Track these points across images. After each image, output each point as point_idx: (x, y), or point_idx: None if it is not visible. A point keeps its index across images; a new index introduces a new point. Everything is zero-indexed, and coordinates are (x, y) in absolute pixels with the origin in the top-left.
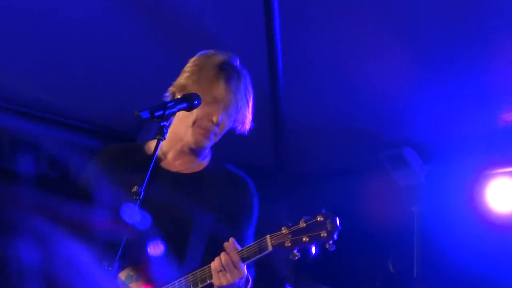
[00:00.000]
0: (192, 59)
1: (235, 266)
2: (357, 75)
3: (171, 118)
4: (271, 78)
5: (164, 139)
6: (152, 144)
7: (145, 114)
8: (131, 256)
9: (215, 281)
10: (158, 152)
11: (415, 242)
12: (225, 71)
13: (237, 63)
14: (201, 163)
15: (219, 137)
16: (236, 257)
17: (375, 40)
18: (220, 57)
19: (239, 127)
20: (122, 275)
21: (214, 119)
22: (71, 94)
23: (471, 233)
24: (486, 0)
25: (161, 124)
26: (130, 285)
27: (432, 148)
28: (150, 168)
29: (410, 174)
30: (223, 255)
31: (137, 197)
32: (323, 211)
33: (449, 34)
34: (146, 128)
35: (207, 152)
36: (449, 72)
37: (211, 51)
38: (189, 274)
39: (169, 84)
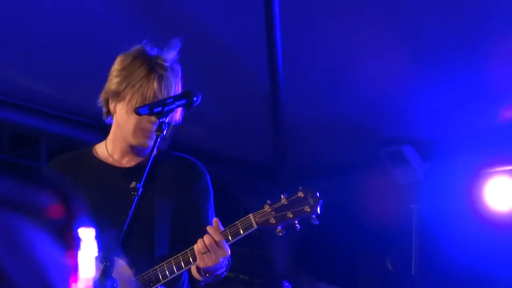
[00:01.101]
0: (118, 61)
1: (219, 246)
2: (358, 71)
3: (169, 114)
4: (271, 73)
5: (163, 136)
6: (99, 147)
7: (144, 111)
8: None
9: (200, 263)
10: (104, 153)
11: (414, 239)
12: (155, 69)
13: (167, 55)
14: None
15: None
16: (219, 237)
17: (375, 37)
18: (146, 56)
19: (175, 119)
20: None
21: (153, 119)
22: (72, 88)
23: (470, 231)
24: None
25: (160, 120)
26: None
27: (431, 146)
28: (148, 166)
29: (409, 172)
30: (206, 237)
31: (135, 193)
32: (301, 188)
33: (449, 31)
34: None
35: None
36: (449, 69)
37: (136, 49)
38: (170, 259)
39: None
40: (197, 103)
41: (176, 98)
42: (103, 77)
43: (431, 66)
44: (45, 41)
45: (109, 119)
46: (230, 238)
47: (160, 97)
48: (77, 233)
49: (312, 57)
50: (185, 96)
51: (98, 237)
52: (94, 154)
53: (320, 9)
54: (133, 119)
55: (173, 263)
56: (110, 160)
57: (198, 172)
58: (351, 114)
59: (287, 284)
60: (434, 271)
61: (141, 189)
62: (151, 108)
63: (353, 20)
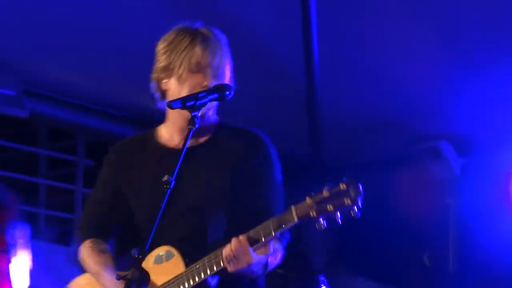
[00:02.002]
0: (161, 41)
1: (244, 253)
2: (394, 67)
3: (202, 108)
4: (307, 72)
5: (196, 128)
6: (161, 129)
7: (176, 104)
8: (161, 238)
9: (227, 267)
10: (164, 134)
11: (451, 235)
12: (198, 36)
13: (205, 27)
14: (207, 131)
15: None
16: (244, 243)
17: (413, 33)
18: (189, 28)
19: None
20: (151, 258)
21: (205, 84)
22: (109, 82)
23: (507, 227)
24: None
25: (192, 114)
26: (161, 265)
27: (467, 142)
28: (181, 159)
29: (446, 167)
30: (233, 241)
31: (168, 186)
32: (345, 178)
33: (488, 26)
34: None
35: (211, 120)
36: (486, 65)
37: (177, 27)
38: (205, 258)
39: None
40: (230, 97)
41: (209, 92)
42: (139, 72)
43: (468, 63)
44: (82, 36)
45: (163, 104)
46: (257, 239)
47: (205, 62)
48: (8, 237)
49: (348, 55)
50: (218, 90)
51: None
52: (155, 136)
53: (356, 9)
54: (186, 87)
55: (206, 263)
56: (168, 142)
57: (257, 143)
58: (387, 111)
59: (323, 278)
60: (471, 267)
61: (173, 182)
62: (184, 102)
63: (390, 19)
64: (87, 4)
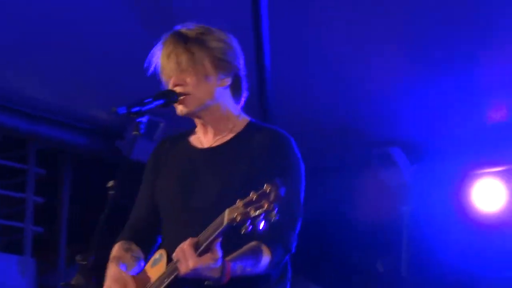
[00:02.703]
0: None
1: (186, 254)
2: (348, 73)
3: (147, 114)
4: (258, 75)
5: (141, 134)
6: (195, 132)
7: (122, 110)
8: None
9: (179, 271)
10: (194, 136)
11: (404, 241)
12: (163, 42)
13: (173, 30)
14: (233, 131)
15: (197, 93)
16: (187, 242)
17: (366, 39)
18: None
19: (220, 71)
20: (150, 261)
21: (170, 84)
22: (61, 91)
23: (458, 233)
24: (475, 2)
25: (137, 120)
26: (154, 267)
27: (419, 148)
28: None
29: (397, 174)
30: (181, 245)
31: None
32: (274, 179)
33: (439, 34)
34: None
35: (239, 119)
36: (438, 71)
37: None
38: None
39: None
40: (175, 101)
41: (155, 97)
42: (92, 81)
43: (420, 69)
44: (35, 44)
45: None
46: (201, 241)
47: (163, 67)
48: None
49: (301, 60)
50: (164, 96)
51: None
52: (189, 136)
53: (309, 14)
54: None
55: (171, 266)
56: (195, 140)
57: (281, 142)
58: (339, 117)
59: None
60: (424, 272)
61: (118, 187)
62: (129, 108)
63: (343, 22)
64: (40, 11)
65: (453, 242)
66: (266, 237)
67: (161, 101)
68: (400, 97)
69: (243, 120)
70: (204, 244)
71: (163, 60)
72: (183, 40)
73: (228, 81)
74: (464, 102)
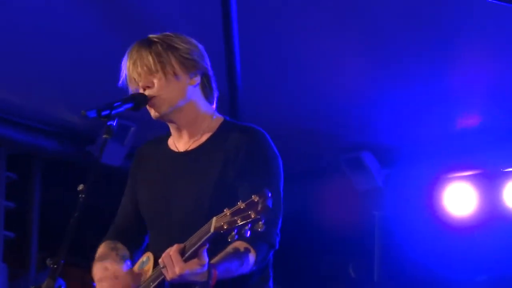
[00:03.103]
0: None
1: (172, 260)
2: (318, 76)
3: (117, 117)
4: (229, 78)
5: (112, 137)
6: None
7: (91, 114)
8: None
9: (165, 275)
10: (170, 140)
11: (376, 246)
12: (128, 51)
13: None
14: (207, 133)
15: (167, 94)
16: (174, 248)
17: (337, 42)
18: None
19: (189, 71)
20: (137, 264)
21: (140, 89)
22: (31, 95)
23: (430, 236)
24: (445, 7)
25: (108, 123)
26: (141, 270)
27: (390, 152)
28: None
29: (368, 178)
30: (166, 250)
31: (82, 195)
32: (263, 189)
33: (410, 39)
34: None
35: (212, 119)
36: (409, 76)
37: None
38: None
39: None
40: (145, 105)
41: (124, 101)
42: (63, 86)
43: (391, 74)
44: (5, 48)
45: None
46: (187, 247)
47: (131, 74)
48: None
49: (270, 62)
50: (133, 99)
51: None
52: (167, 140)
53: (283, 15)
54: None
55: (157, 270)
56: (172, 145)
57: (257, 138)
58: (309, 119)
59: None
60: (396, 276)
61: (88, 191)
62: (99, 111)
63: (312, 23)
64: (8, 16)
65: (425, 246)
66: (250, 237)
67: (130, 104)
68: (371, 101)
69: (218, 119)
70: (191, 251)
71: (130, 68)
72: (147, 44)
73: (197, 79)
74: (435, 107)
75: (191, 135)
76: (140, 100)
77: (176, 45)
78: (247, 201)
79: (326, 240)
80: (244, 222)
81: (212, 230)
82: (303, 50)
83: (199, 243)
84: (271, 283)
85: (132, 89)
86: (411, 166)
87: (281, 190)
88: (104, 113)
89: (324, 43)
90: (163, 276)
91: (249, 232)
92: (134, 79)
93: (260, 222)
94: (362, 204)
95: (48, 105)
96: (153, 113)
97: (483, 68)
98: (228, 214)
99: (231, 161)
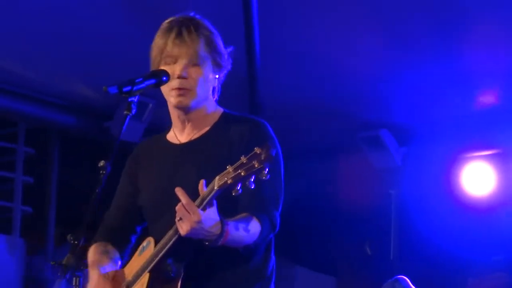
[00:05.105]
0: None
1: (188, 210)
2: (335, 55)
3: (138, 93)
4: (248, 58)
5: (133, 114)
6: (171, 131)
7: (113, 90)
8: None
9: (180, 230)
10: (170, 133)
11: (392, 224)
12: (176, 27)
13: (187, 15)
14: (208, 124)
15: (200, 91)
16: (184, 199)
17: (354, 22)
18: (172, 18)
19: (216, 72)
20: (137, 251)
21: (177, 74)
22: (49, 70)
23: (447, 216)
24: None
25: (129, 100)
26: (142, 255)
27: (408, 131)
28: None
29: (386, 157)
30: (179, 204)
31: (104, 172)
32: (266, 143)
33: (427, 17)
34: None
35: (213, 111)
36: (427, 54)
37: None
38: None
39: (145, 58)
40: (166, 81)
41: (146, 77)
42: (81, 61)
43: (409, 52)
44: (23, 23)
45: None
46: (199, 201)
47: (180, 51)
48: None
49: (290, 42)
50: (154, 76)
51: None
52: (165, 135)
53: None
54: (165, 85)
55: (167, 235)
56: (171, 137)
57: (259, 129)
58: (328, 98)
59: None
60: (412, 255)
61: (109, 167)
62: (120, 87)
63: (330, 5)
64: None
65: (442, 225)
66: (255, 209)
67: (152, 81)
68: (390, 79)
69: (217, 111)
70: (202, 206)
71: (175, 42)
72: (199, 36)
73: (218, 79)
74: (454, 85)
75: (195, 127)
76: (162, 77)
77: (217, 49)
78: (249, 155)
79: (342, 218)
80: (248, 173)
81: (216, 187)
82: (322, 29)
83: (206, 200)
84: (272, 264)
85: (164, 57)
86: (429, 145)
87: (282, 177)
88: (125, 89)
89: (344, 22)
90: (177, 235)
91: (253, 184)
92: (174, 52)
93: (264, 171)
94: (379, 183)
95: (66, 80)
96: (178, 100)
97: (502, 45)
98: (230, 170)
99: (235, 149)
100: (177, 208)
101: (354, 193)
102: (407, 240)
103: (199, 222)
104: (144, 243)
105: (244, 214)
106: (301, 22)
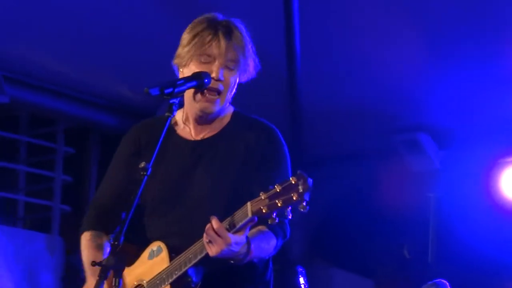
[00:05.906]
0: (187, 29)
1: (218, 234)
2: (375, 59)
3: (180, 96)
4: (288, 61)
5: (173, 116)
6: (178, 115)
7: (154, 91)
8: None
9: (208, 251)
10: (180, 123)
11: (431, 228)
12: (215, 27)
13: (227, 18)
14: (221, 123)
15: (228, 95)
16: (216, 224)
17: (393, 25)
18: (209, 17)
19: (243, 78)
20: (146, 252)
21: (214, 75)
22: (89, 70)
23: (486, 220)
24: None
25: (170, 101)
26: (152, 260)
27: (447, 134)
28: (158, 145)
29: (425, 160)
30: (208, 225)
31: (144, 173)
32: (298, 172)
33: (467, 20)
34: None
35: (226, 111)
36: (467, 57)
37: (201, 16)
38: (191, 247)
39: None
40: (208, 84)
41: (187, 79)
42: (120, 60)
43: (448, 55)
44: (64, 23)
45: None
46: (227, 227)
47: (220, 52)
48: None
49: (330, 45)
50: (196, 78)
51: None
52: (174, 126)
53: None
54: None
55: (191, 250)
56: (183, 131)
57: (269, 135)
58: (367, 101)
59: (301, 269)
60: (450, 259)
61: (150, 169)
62: (162, 89)
63: (371, 9)
64: None
65: (480, 230)
66: (273, 225)
67: (193, 83)
68: (429, 83)
69: (229, 109)
70: (232, 231)
71: (217, 42)
72: (242, 40)
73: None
74: (494, 89)
75: (209, 124)
76: (204, 79)
77: (249, 60)
78: (284, 185)
79: (381, 221)
80: (285, 205)
81: (250, 214)
82: (361, 32)
83: (239, 225)
84: (270, 268)
85: (189, 59)
86: (468, 148)
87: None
88: (167, 91)
89: (383, 25)
90: (203, 254)
91: (290, 215)
92: (212, 56)
93: (303, 204)
94: (417, 186)
95: (106, 80)
96: (212, 108)
97: None
98: (264, 198)
99: (250, 153)
100: (206, 230)
101: (393, 196)
102: (446, 244)
103: (229, 245)
104: (154, 247)
105: (263, 229)
106: (342, 26)
